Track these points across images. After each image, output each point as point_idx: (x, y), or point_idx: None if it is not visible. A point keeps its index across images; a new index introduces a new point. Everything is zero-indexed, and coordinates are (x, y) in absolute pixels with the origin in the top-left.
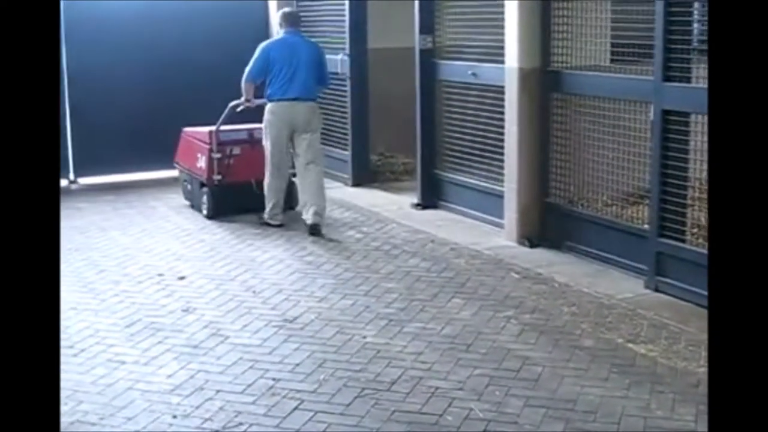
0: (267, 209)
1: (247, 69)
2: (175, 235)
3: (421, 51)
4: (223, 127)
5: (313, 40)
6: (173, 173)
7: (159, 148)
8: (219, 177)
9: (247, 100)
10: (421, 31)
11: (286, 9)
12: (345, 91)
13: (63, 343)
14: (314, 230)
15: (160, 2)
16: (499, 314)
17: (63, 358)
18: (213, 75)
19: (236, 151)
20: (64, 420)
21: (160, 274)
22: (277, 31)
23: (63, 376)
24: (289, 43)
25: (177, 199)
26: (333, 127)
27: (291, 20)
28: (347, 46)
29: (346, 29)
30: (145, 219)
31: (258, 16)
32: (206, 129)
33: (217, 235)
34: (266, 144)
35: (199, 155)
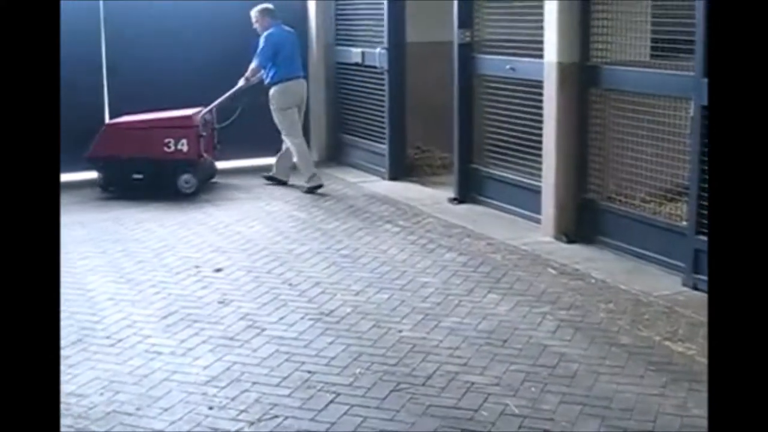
0: (306, 176)
1: (261, 55)
2: (212, 227)
3: (460, 45)
4: (187, 112)
5: (353, 33)
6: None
7: None
8: (205, 154)
9: (247, 79)
10: (460, 26)
11: (267, 5)
12: (383, 84)
13: (100, 333)
14: (317, 190)
15: (200, 2)
16: (535, 310)
17: (100, 349)
18: (256, 87)
19: (203, 131)
20: (101, 410)
21: (197, 266)
22: (258, 24)
23: (100, 366)
24: (284, 32)
25: (214, 191)
26: (370, 121)
27: (274, 14)
28: (385, 39)
29: (385, 23)
30: (181, 211)
31: (298, 15)
32: (171, 113)
33: (254, 227)
34: (282, 119)
35: (171, 140)
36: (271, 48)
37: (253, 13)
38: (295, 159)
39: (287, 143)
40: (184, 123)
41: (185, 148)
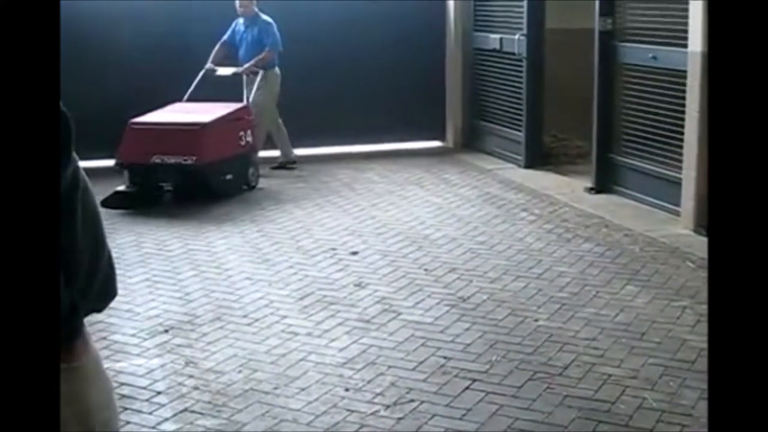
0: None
1: (276, 42)
2: (347, 210)
3: (601, 33)
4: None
5: (491, 19)
6: (346, 149)
7: (329, 128)
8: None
9: (262, 68)
10: (601, 13)
11: None
12: (521, 71)
13: (238, 312)
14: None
15: (345, 2)
16: (674, 303)
17: (238, 327)
18: (394, 72)
19: None
20: (239, 387)
21: (333, 249)
22: (244, 9)
23: (238, 344)
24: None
25: (350, 174)
26: (507, 108)
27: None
28: (524, 26)
29: (524, 9)
30: (317, 193)
31: (438, 18)
32: (227, 106)
33: (389, 212)
34: (272, 102)
35: (243, 133)
36: (277, 32)
37: None
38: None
39: (264, 125)
40: (248, 113)
41: (251, 140)
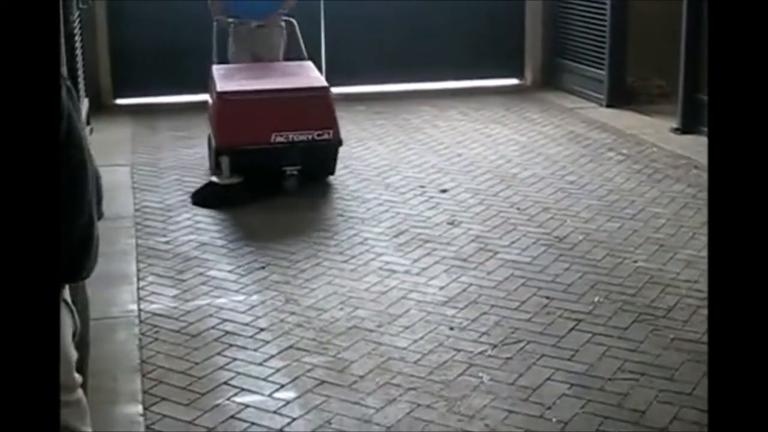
0: None
1: None
2: (432, 147)
3: None
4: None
5: None
6: (423, 86)
7: (405, 64)
8: None
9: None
10: None
11: None
12: (604, 7)
13: (334, 249)
14: None
15: None
16: None
17: (334, 264)
18: (472, 8)
19: None
20: (342, 325)
21: (422, 186)
22: None
23: (336, 281)
24: None
25: (432, 111)
26: (589, 45)
27: None
28: None
29: None
30: (400, 130)
31: None
32: (299, 65)
33: (474, 150)
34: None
35: None
36: None
37: None
38: None
39: None
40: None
41: None
